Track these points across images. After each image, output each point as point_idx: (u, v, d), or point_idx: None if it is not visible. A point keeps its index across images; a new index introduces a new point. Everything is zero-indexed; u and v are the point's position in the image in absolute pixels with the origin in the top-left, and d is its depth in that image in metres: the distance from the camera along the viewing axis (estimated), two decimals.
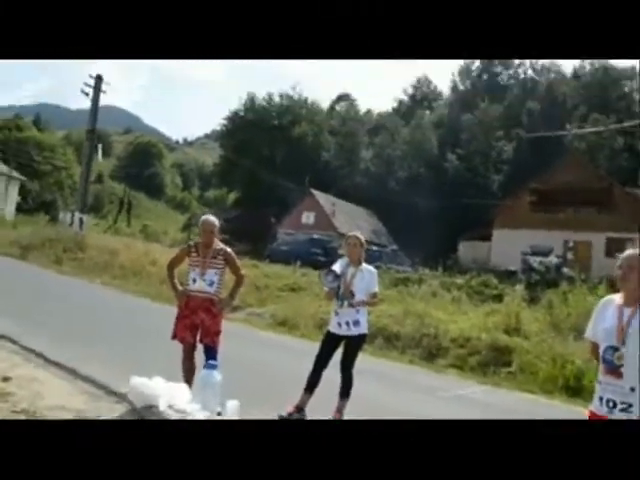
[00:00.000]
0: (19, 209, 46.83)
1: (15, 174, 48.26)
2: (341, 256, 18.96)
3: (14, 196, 48.21)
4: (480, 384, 8.90)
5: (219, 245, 5.09)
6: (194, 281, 4.97)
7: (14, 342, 6.39)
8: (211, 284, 4.94)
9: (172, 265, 5.25)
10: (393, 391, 7.31)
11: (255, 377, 6.62)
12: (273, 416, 5.05)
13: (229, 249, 5.14)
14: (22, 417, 4.07)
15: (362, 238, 5.39)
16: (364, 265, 5.35)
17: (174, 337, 4.97)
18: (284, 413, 5.08)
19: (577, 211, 29.44)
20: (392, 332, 11.59)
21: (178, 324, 4.97)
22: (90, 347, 6.80)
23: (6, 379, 4.93)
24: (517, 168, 41.58)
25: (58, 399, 4.63)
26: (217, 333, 4.96)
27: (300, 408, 5.16)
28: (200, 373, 3.30)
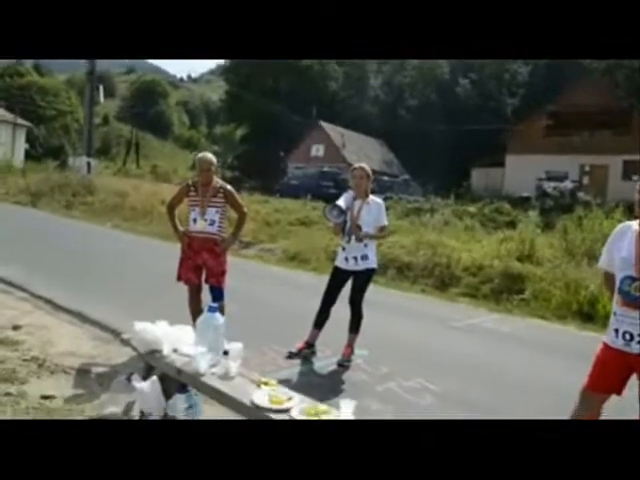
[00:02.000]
0: (27, 156, 46.68)
1: (20, 121, 47.82)
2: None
3: (22, 143, 47.96)
4: (492, 312, 8.90)
5: (218, 183, 4.93)
6: (194, 221, 4.84)
7: (24, 290, 6.41)
8: (212, 223, 4.81)
9: (171, 206, 5.10)
10: (405, 322, 7.31)
11: (266, 313, 6.62)
12: (284, 352, 5.08)
13: (229, 186, 4.98)
14: (33, 365, 4.10)
15: (368, 169, 5.16)
16: (371, 197, 5.15)
17: (179, 279, 4.91)
18: (294, 349, 5.10)
19: (593, 134, 28.60)
20: (404, 263, 11.54)
21: (182, 265, 4.90)
22: (101, 291, 6.81)
23: (16, 327, 4.96)
24: (532, 91, 40.22)
25: (68, 345, 4.65)
26: (222, 273, 4.88)
27: (310, 344, 5.17)
28: (201, 316, 3.23)
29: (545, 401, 4.49)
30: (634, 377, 2.81)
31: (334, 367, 4.95)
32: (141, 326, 3.34)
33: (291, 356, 5.03)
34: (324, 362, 5.06)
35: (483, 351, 6.33)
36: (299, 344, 5.14)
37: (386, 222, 5.16)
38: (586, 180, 28.18)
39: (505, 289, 10.11)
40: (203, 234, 4.81)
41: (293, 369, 4.79)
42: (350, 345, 5.09)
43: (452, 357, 5.85)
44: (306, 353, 5.11)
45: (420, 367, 5.20)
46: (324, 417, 2.46)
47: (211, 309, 3.13)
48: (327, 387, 4.30)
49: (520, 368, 5.75)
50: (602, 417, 2.91)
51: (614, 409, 2.86)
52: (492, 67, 43.22)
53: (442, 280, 11.05)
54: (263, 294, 8.08)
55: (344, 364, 4.97)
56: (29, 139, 50.08)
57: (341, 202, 4.91)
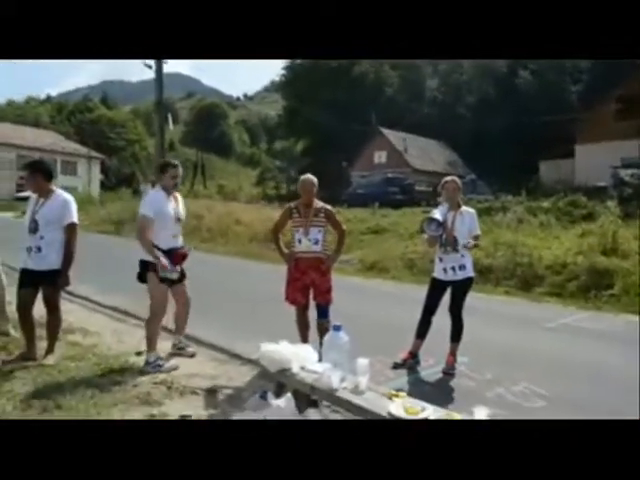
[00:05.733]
0: (102, 186, 49.26)
1: (94, 154, 50.55)
2: (418, 192, 19.07)
3: (96, 174, 50.68)
4: (582, 310, 8.76)
5: (319, 204, 5.16)
6: (299, 242, 5.05)
7: (136, 317, 6.87)
8: (316, 242, 5.02)
9: (276, 230, 5.35)
10: (497, 325, 7.34)
11: (360, 325, 6.80)
12: (389, 363, 5.27)
13: (329, 206, 5.21)
14: (163, 388, 4.46)
15: (459, 181, 5.36)
16: (463, 208, 5.34)
17: (287, 299, 5.17)
18: (399, 360, 5.28)
19: None
20: (484, 265, 11.50)
21: (290, 287, 5.13)
22: (207, 313, 7.19)
23: (139, 353, 5.37)
24: (597, 76, 38.75)
25: (190, 367, 5.01)
26: (328, 290, 5.10)
27: (414, 354, 5.34)
28: (327, 335, 3.48)
29: None
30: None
31: (440, 375, 5.11)
32: (269, 347, 3.63)
33: (397, 367, 5.22)
34: (430, 371, 5.22)
35: (582, 350, 6.31)
36: (403, 354, 5.32)
37: (479, 230, 5.29)
38: None
39: (592, 286, 9.92)
40: (309, 254, 5.04)
41: (401, 379, 4.97)
42: (453, 353, 5.24)
43: (552, 358, 5.87)
44: (411, 363, 5.29)
45: (523, 371, 5.26)
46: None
47: (337, 328, 3.37)
48: (438, 395, 4.44)
49: (623, 365, 5.70)
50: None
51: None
52: None
53: (525, 280, 10.95)
54: (352, 306, 8.26)
55: (449, 372, 5.12)
56: (102, 170, 52.83)
57: (437, 215, 5.09)
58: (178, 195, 5.30)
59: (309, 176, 5.20)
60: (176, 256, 5.05)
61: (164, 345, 5.43)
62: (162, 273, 4.90)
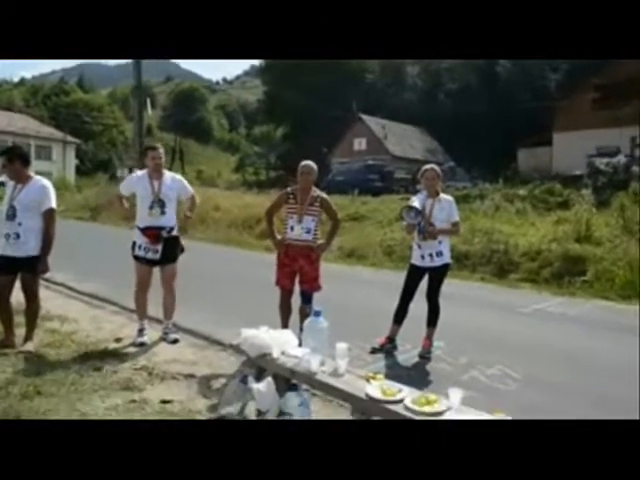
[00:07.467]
0: (78, 171, 48.53)
1: (70, 138, 49.68)
2: (397, 180, 19.33)
3: (72, 159, 49.85)
4: (556, 296, 8.96)
5: (316, 192, 5.18)
6: (292, 229, 5.09)
7: (114, 303, 6.87)
8: (308, 231, 5.06)
9: (270, 213, 5.36)
10: (472, 311, 7.48)
11: (338, 312, 6.89)
12: (367, 348, 5.37)
13: (325, 195, 5.25)
14: (144, 373, 4.49)
15: (438, 170, 5.43)
16: (442, 195, 5.43)
17: (277, 284, 5.21)
18: (376, 345, 5.39)
19: None
20: (461, 252, 11.64)
21: (279, 272, 5.18)
22: (185, 299, 7.21)
23: (118, 339, 5.39)
24: (576, 64, 39.03)
25: (170, 353, 5.04)
26: (316, 279, 5.16)
27: (391, 339, 5.44)
28: (307, 321, 3.55)
29: (624, 381, 4.64)
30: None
31: (416, 359, 5.23)
32: (249, 332, 3.67)
33: (374, 351, 5.33)
34: (406, 355, 5.34)
35: (554, 335, 6.47)
36: (380, 339, 5.43)
37: (457, 217, 5.38)
38: (638, 152, 27.25)
39: (566, 272, 10.13)
40: (300, 241, 5.08)
41: (379, 363, 5.07)
42: (429, 337, 5.36)
43: (525, 343, 6.02)
44: (388, 348, 5.40)
45: (497, 355, 5.40)
46: (436, 406, 2.71)
47: (316, 314, 3.44)
48: (415, 378, 4.55)
49: (594, 349, 5.89)
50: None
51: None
52: None
53: (501, 267, 11.13)
54: (332, 292, 8.32)
55: (425, 356, 5.24)
56: (78, 155, 51.99)
57: (416, 203, 5.16)
58: (170, 176, 5.46)
59: (309, 162, 5.21)
60: (148, 235, 5.28)
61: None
62: (135, 252, 5.37)
